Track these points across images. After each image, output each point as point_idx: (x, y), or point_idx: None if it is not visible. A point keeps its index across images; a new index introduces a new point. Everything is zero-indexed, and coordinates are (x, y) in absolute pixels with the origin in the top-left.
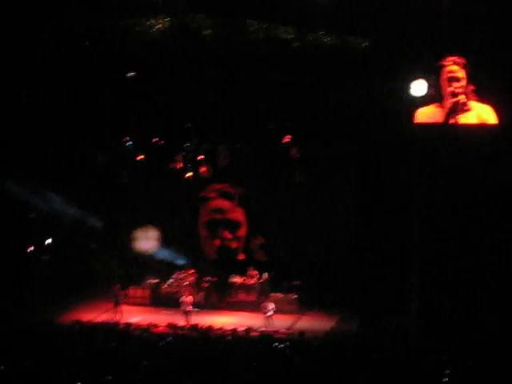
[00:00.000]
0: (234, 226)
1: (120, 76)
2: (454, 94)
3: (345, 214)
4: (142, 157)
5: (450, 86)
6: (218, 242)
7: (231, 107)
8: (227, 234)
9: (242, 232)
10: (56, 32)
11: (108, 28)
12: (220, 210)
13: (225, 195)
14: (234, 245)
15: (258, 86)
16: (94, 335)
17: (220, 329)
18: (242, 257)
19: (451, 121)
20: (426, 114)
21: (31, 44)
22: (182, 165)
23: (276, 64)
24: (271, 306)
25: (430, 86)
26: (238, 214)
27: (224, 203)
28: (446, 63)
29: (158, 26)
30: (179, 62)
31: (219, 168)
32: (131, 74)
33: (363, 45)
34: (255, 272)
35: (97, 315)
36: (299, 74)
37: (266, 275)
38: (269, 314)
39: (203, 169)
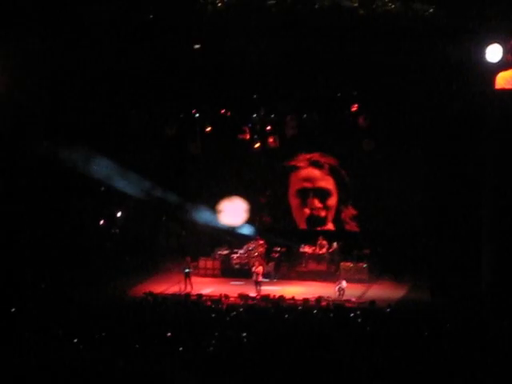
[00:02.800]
0: (323, 194)
1: (187, 48)
2: None
3: (415, 183)
4: (210, 128)
5: None
6: (307, 211)
7: (298, 77)
8: (317, 203)
9: (332, 201)
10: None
11: (172, 1)
12: (310, 179)
13: (315, 164)
14: (323, 213)
15: (324, 54)
16: (166, 307)
17: (291, 299)
18: (331, 227)
19: None
20: (505, 79)
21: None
22: (249, 136)
23: (342, 32)
24: (343, 283)
25: (506, 51)
26: (329, 183)
27: (314, 172)
28: None
29: None
30: (245, 33)
31: (287, 138)
32: (197, 46)
33: (429, 11)
34: (325, 241)
35: (168, 287)
36: (366, 42)
37: (335, 244)
38: (340, 291)
39: (271, 139)
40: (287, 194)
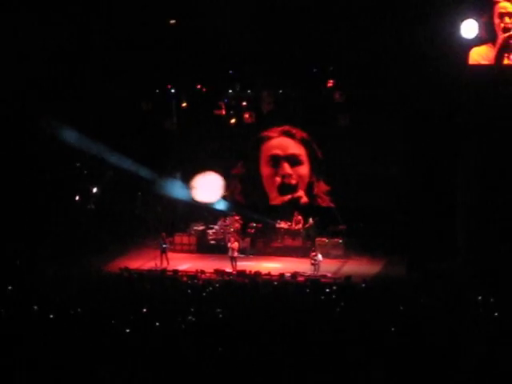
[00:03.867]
0: (294, 161)
1: (162, 23)
2: (506, 30)
3: (390, 159)
4: (186, 104)
5: (502, 21)
6: (278, 179)
7: (274, 52)
8: (287, 169)
9: (304, 170)
10: None
11: None
12: (281, 147)
13: (286, 134)
14: (293, 181)
15: (300, 30)
16: (142, 282)
17: (267, 274)
18: (302, 194)
19: (504, 60)
20: (479, 54)
21: None
22: (225, 111)
23: (317, 8)
24: (319, 257)
25: (481, 26)
26: (300, 151)
27: (285, 140)
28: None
29: None
30: (221, 9)
31: (263, 114)
32: (173, 21)
33: None
34: (301, 217)
35: (144, 262)
36: (342, 17)
37: (311, 220)
38: (315, 263)
39: (247, 115)
40: (259, 166)
